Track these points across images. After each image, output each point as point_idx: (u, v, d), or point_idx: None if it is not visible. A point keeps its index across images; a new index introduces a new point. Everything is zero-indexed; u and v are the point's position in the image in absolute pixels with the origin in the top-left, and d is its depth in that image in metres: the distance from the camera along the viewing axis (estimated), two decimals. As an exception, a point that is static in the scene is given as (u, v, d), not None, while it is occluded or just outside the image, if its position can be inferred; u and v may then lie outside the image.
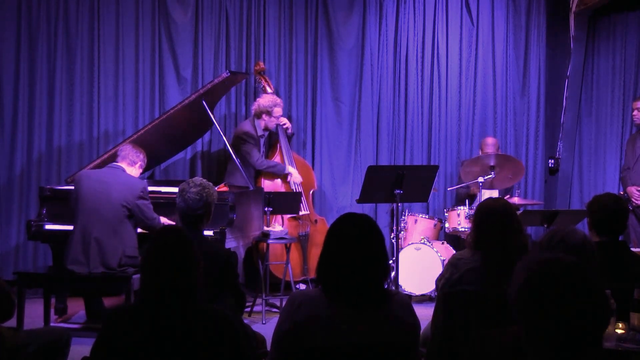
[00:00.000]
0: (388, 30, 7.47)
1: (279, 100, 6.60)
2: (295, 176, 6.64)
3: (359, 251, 2.46)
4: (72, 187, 5.08)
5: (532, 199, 7.39)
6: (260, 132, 6.56)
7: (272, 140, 6.92)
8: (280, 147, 6.79)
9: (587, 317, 1.70)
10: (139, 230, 5.09)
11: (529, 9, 7.61)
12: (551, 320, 1.72)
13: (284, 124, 6.79)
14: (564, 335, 1.71)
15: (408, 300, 2.62)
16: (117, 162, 5.10)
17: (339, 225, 2.56)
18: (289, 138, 6.90)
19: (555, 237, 2.98)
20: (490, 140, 7.02)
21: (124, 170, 5.06)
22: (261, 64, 6.94)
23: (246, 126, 6.54)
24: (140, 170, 5.23)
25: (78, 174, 5.14)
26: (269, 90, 6.79)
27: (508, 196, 6.81)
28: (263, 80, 6.84)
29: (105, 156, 5.66)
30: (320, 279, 2.52)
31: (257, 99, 6.65)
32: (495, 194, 6.51)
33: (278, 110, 6.53)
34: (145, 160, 5.26)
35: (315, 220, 6.83)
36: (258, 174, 6.60)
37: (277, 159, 6.75)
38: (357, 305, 2.44)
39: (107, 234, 4.85)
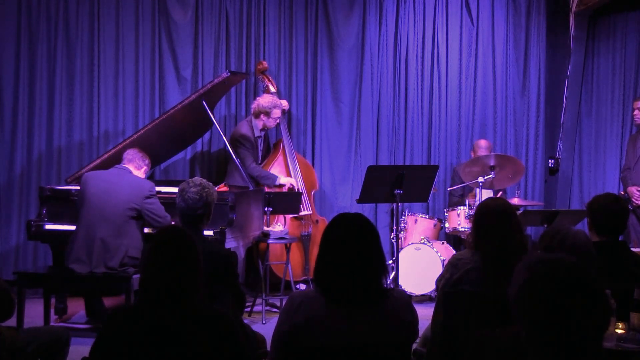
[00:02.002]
0: (388, 30, 7.46)
1: (279, 101, 6.58)
2: (291, 184, 6.59)
3: (353, 251, 2.47)
4: (75, 187, 5.10)
5: (532, 199, 7.39)
6: (257, 133, 6.54)
7: (269, 139, 6.92)
8: (284, 146, 6.79)
9: (587, 317, 1.70)
10: (145, 230, 5.11)
11: (529, 9, 7.61)
12: (551, 321, 1.71)
13: (285, 106, 6.75)
14: (564, 336, 1.71)
15: (406, 296, 2.62)
16: (123, 164, 5.14)
17: (332, 227, 2.56)
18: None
19: (556, 237, 2.98)
20: (483, 143, 6.99)
21: (130, 172, 5.08)
22: (264, 63, 6.93)
23: (243, 128, 6.52)
24: (144, 176, 5.25)
25: (85, 175, 5.15)
26: (272, 89, 6.79)
27: (500, 193, 6.80)
28: (266, 80, 6.83)
29: (105, 156, 5.67)
30: (317, 281, 2.52)
31: (257, 98, 6.65)
32: (490, 194, 6.51)
33: (277, 112, 6.51)
34: (150, 166, 5.30)
35: (317, 221, 6.82)
36: None
37: (280, 158, 6.74)
38: (355, 304, 2.44)
39: (112, 234, 4.87)
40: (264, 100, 6.51)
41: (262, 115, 6.49)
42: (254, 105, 6.58)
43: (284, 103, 6.80)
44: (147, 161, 5.22)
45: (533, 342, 1.77)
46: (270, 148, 6.99)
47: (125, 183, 4.96)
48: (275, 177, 6.51)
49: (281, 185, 6.52)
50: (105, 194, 4.90)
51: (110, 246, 4.85)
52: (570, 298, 1.71)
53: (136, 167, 5.14)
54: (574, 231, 3.05)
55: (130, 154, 5.18)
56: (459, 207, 6.57)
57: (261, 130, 6.58)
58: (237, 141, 6.44)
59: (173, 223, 4.98)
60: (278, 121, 6.62)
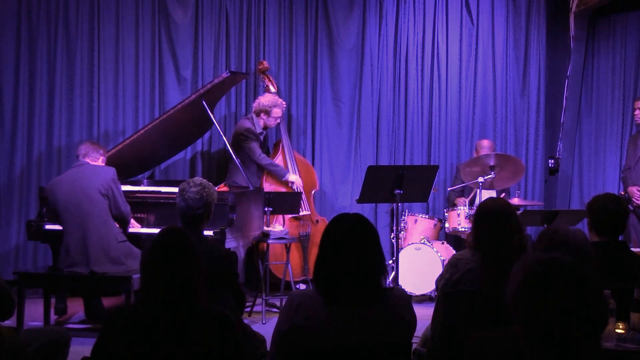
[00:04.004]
0: (388, 30, 7.46)
1: (279, 101, 6.59)
2: (298, 184, 6.61)
3: (353, 251, 2.47)
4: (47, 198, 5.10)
5: (532, 199, 7.38)
6: (259, 130, 6.56)
7: (268, 138, 6.92)
8: (283, 146, 6.79)
9: (584, 317, 1.70)
10: (136, 230, 5.12)
11: (529, 9, 7.61)
12: (549, 321, 1.71)
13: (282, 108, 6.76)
14: (562, 336, 1.71)
15: (406, 296, 2.62)
16: (80, 160, 5.16)
17: (332, 227, 2.57)
18: None
19: (554, 237, 2.97)
20: (485, 143, 6.97)
21: (89, 164, 5.11)
22: (265, 63, 6.93)
23: (246, 123, 6.55)
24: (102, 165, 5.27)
25: (48, 185, 5.20)
26: (272, 89, 6.79)
27: (504, 194, 6.80)
28: (267, 79, 6.84)
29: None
30: (316, 281, 2.52)
31: (259, 97, 6.66)
32: (492, 194, 6.50)
33: (277, 112, 6.52)
34: (106, 156, 5.30)
35: (317, 221, 6.82)
36: (262, 174, 6.59)
37: (279, 158, 6.74)
38: (354, 305, 2.44)
39: (101, 223, 4.91)
40: (265, 99, 6.53)
41: (262, 114, 6.51)
42: (255, 104, 6.60)
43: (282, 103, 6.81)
44: (101, 151, 5.24)
45: (530, 343, 1.76)
46: (269, 148, 7.01)
47: (89, 175, 4.99)
48: (285, 171, 6.54)
49: (287, 182, 6.54)
50: (77, 194, 4.92)
51: (105, 237, 4.90)
52: (565, 298, 1.70)
53: (92, 159, 5.16)
54: (572, 231, 3.05)
55: (83, 149, 5.20)
56: (459, 207, 6.57)
57: (262, 128, 6.60)
58: (243, 135, 6.45)
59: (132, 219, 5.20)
60: (278, 121, 6.63)
